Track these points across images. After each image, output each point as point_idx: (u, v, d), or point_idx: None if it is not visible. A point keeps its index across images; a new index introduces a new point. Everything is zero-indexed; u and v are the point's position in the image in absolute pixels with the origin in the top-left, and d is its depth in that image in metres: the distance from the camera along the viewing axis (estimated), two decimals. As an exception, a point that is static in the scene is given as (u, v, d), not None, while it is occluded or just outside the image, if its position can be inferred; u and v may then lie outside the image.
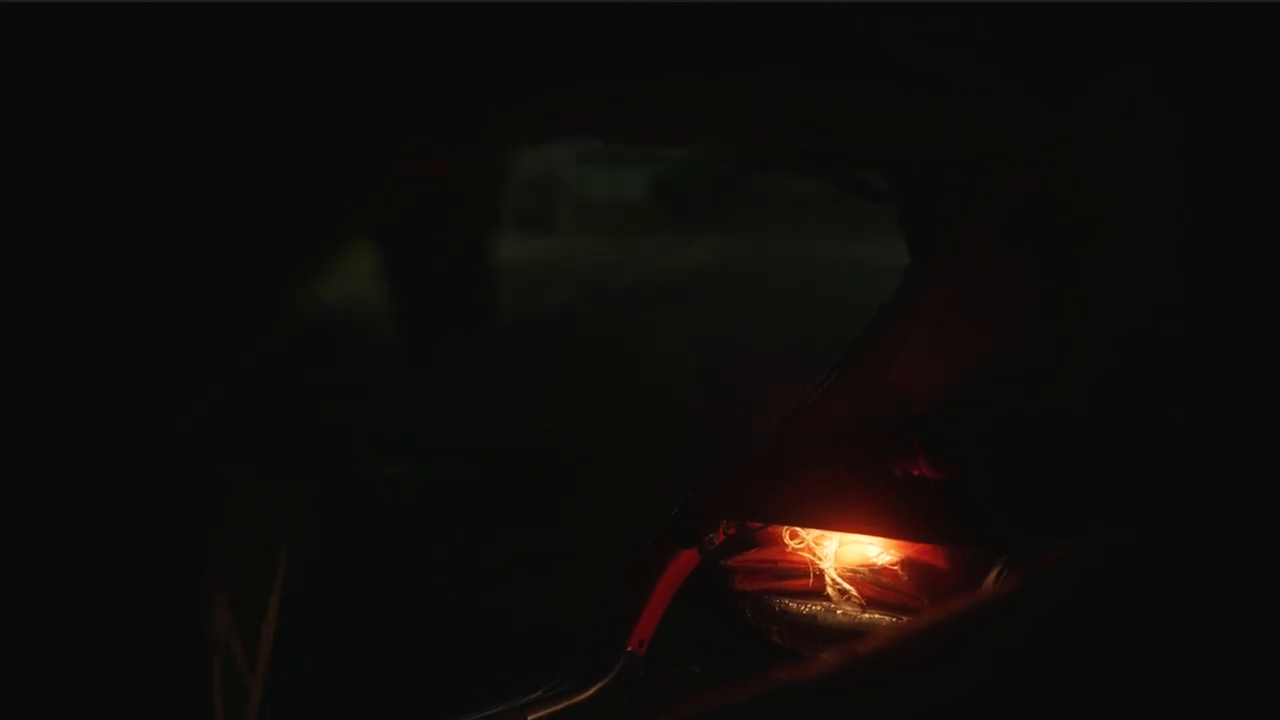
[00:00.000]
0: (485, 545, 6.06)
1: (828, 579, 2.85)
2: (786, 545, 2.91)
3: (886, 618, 2.80)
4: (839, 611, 2.82)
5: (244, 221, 1.18)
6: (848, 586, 2.85)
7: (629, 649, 2.78)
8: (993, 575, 2.60)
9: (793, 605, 2.80)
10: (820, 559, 2.87)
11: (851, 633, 2.78)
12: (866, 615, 2.81)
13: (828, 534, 2.87)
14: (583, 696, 2.67)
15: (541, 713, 2.53)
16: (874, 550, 2.86)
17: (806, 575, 2.86)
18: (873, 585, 2.85)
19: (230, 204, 1.17)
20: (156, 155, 1.16)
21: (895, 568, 2.84)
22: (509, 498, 6.68)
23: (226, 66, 1.16)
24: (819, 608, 2.82)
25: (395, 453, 7.38)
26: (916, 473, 2.79)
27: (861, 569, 2.86)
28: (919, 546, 2.82)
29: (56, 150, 1.14)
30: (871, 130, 1.84)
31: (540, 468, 6.90)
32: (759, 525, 2.94)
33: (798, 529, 2.89)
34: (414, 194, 1.29)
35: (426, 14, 1.16)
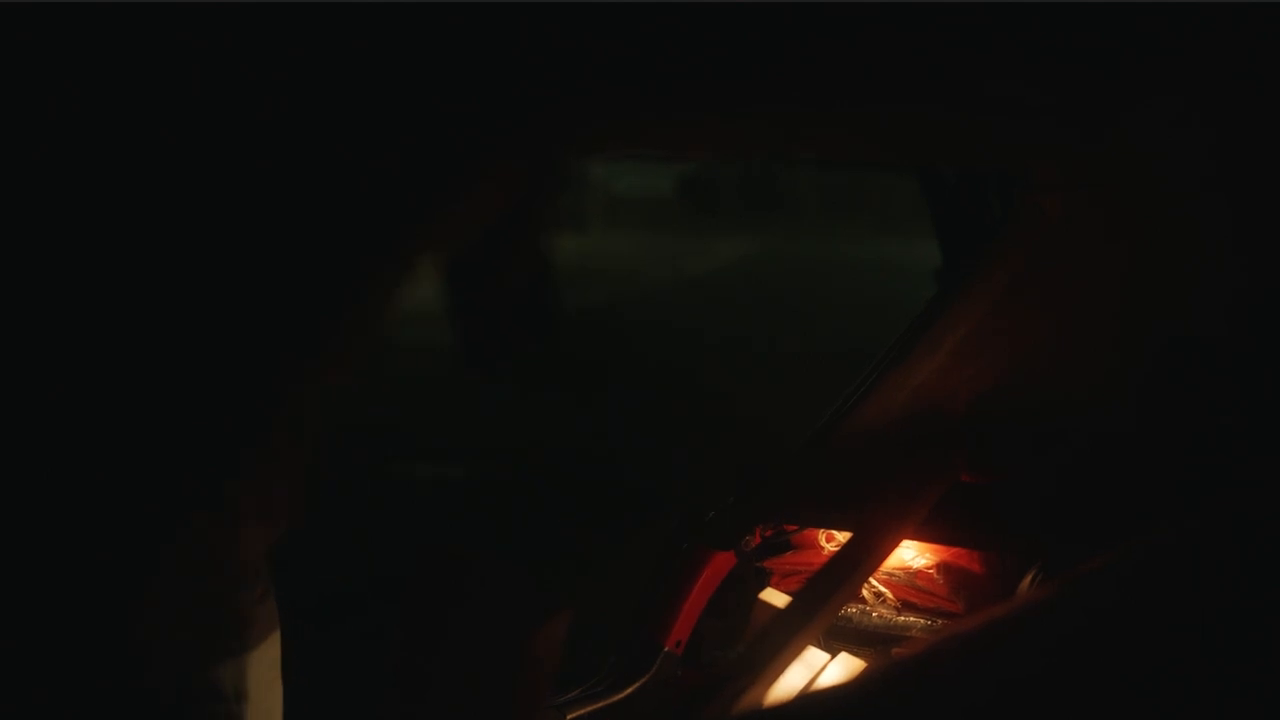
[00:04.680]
0: (513, 546, 6.06)
1: (863, 582, 2.86)
2: (822, 548, 2.92)
3: (921, 621, 2.81)
4: (874, 614, 2.83)
5: (289, 216, 1.20)
6: (883, 589, 2.87)
7: (666, 649, 2.80)
8: (1028, 580, 2.60)
9: (828, 607, 2.80)
10: (856, 562, 2.88)
11: (886, 635, 2.79)
12: (901, 618, 2.82)
13: (863, 537, 2.88)
14: (620, 695, 2.69)
15: (580, 711, 2.54)
16: (910, 553, 2.88)
17: (842, 578, 2.87)
18: (908, 588, 2.86)
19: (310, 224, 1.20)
20: (207, 174, 1.18)
21: (931, 571, 2.85)
22: (535, 498, 6.67)
23: (280, 66, 1.18)
24: (854, 610, 2.83)
25: (424, 452, 7.37)
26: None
27: (897, 572, 2.87)
28: (954, 550, 2.83)
29: (58, 154, 1.17)
30: (902, 143, 1.86)
31: (568, 468, 6.88)
32: (794, 528, 2.95)
33: (833, 532, 2.90)
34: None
35: (486, 46, 1.18)
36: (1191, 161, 1.82)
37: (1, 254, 1.15)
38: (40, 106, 1.15)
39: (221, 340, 1.19)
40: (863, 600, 2.86)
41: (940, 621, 2.81)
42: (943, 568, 2.85)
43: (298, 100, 1.18)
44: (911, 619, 2.82)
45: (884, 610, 2.84)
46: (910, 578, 2.86)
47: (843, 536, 2.88)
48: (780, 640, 2.36)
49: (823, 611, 2.44)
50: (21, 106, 1.14)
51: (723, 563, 2.86)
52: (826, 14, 1.27)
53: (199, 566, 1.30)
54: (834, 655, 2.57)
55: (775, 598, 2.69)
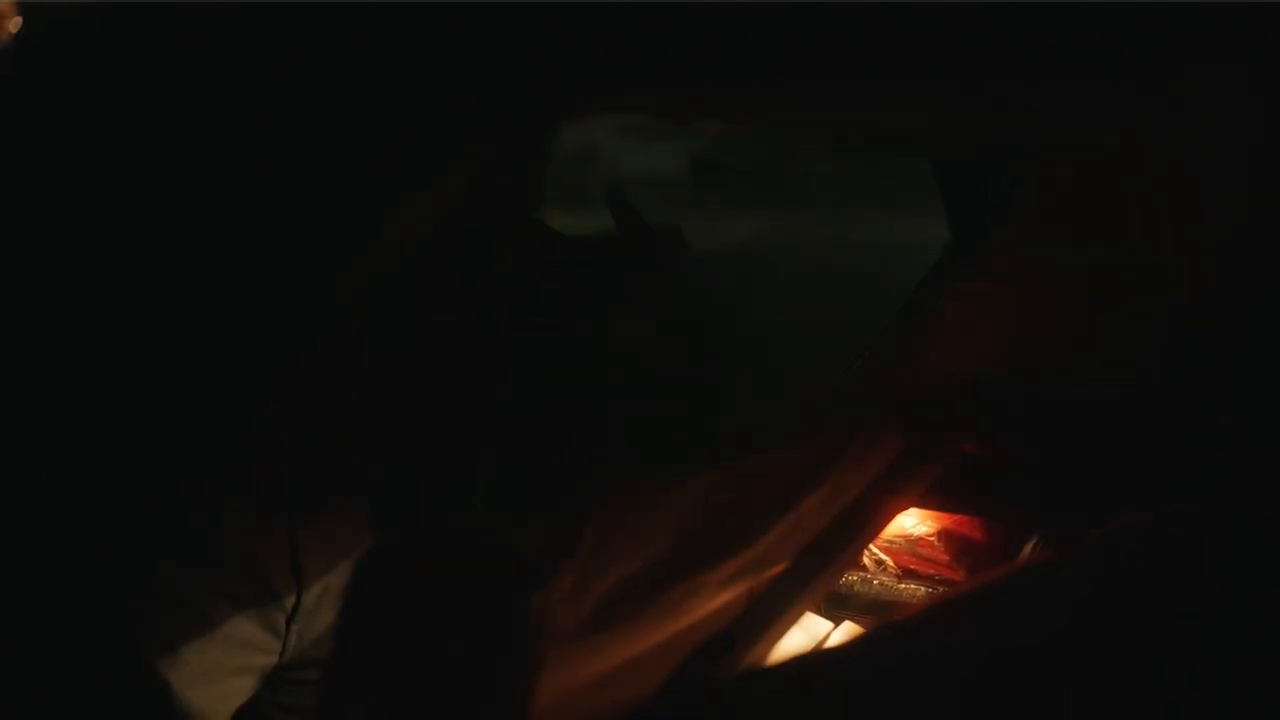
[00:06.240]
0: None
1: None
2: (825, 516, 2.93)
3: (922, 589, 2.82)
4: (875, 582, 2.84)
5: (289, 216, 1.21)
6: (884, 557, 2.88)
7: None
8: (1029, 548, 2.61)
9: (829, 575, 2.81)
10: (857, 529, 2.89)
11: (887, 603, 2.80)
12: (903, 585, 2.83)
13: (864, 505, 2.89)
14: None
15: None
16: (911, 521, 2.88)
17: (843, 545, 2.87)
18: (909, 556, 2.87)
19: (287, 200, 1.20)
20: (207, 154, 1.18)
21: (932, 539, 2.86)
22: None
23: (284, 65, 1.18)
24: (855, 578, 2.84)
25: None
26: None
27: (898, 540, 2.88)
28: (956, 518, 2.84)
29: (58, 154, 1.17)
30: (902, 139, 1.85)
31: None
32: (797, 494, 2.96)
33: (836, 500, 2.91)
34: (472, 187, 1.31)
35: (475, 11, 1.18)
36: (1193, 160, 1.81)
37: (2, 254, 1.16)
38: (40, 106, 1.15)
39: (220, 340, 1.20)
40: (864, 568, 2.87)
41: (941, 589, 2.83)
42: (944, 535, 2.86)
43: (298, 100, 1.18)
44: (913, 586, 2.83)
45: (885, 578, 2.85)
46: (911, 545, 2.87)
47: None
48: (779, 607, 2.38)
49: (821, 578, 2.45)
50: (22, 106, 1.15)
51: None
52: (826, 14, 1.27)
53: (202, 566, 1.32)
54: (837, 624, 2.59)
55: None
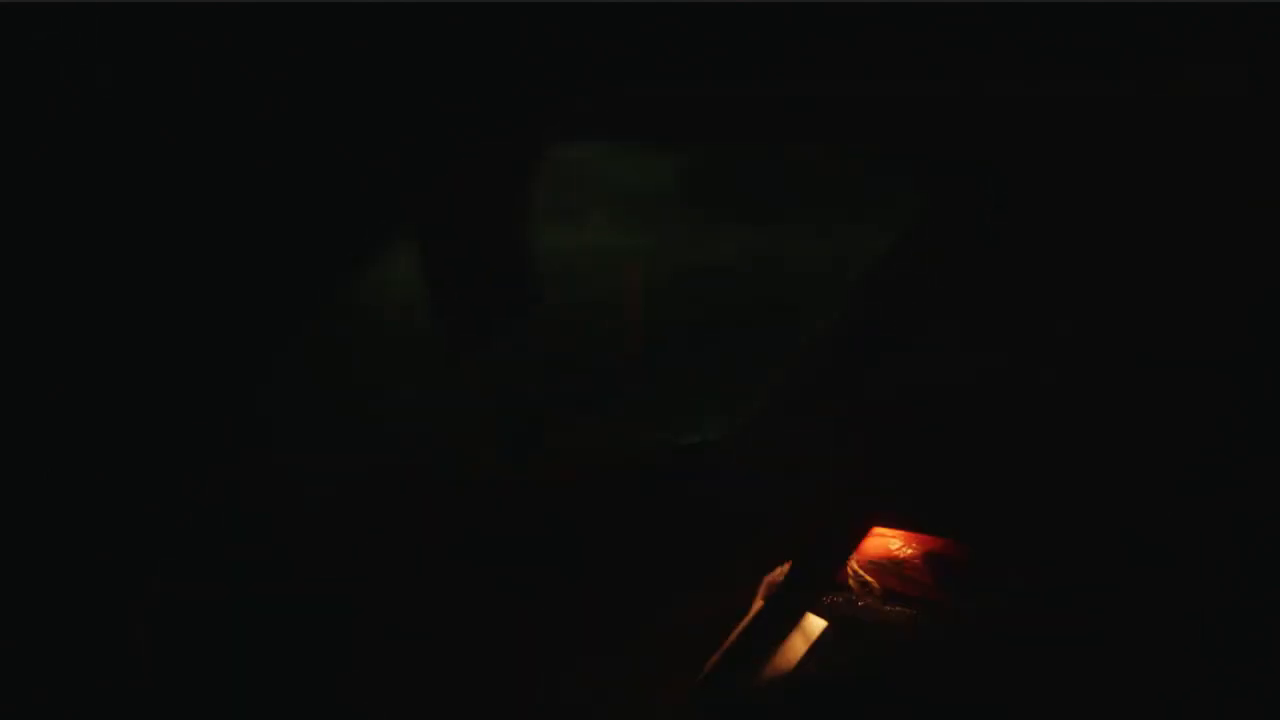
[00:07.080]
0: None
1: (849, 571, 2.86)
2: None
3: (907, 610, 2.81)
4: (859, 604, 2.83)
5: (290, 215, 1.20)
6: (868, 579, 2.87)
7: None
8: (1014, 570, 2.61)
9: (814, 597, 2.81)
10: (842, 551, 2.88)
11: (872, 624, 2.79)
12: (887, 607, 2.82)
13: (850, 527, 2.88)
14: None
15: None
16: (895, 543, 2.88)
17: (829, 567, 2.87)
18: (894, 578, 2.86)
19: (279, 198, 1.20)
20: (200, 153, 1.18)
21: (916, 561, 2.85)
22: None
23: (284, 65, 1.18)
24: (840, 599, 2.83)
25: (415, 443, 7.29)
26: (939, 467, 2.79)
27: (883, 561, 2.87)
28: (940, 540, 2.83)
29: (58, 154, 1.17)
30: (901, 139, 1.86)
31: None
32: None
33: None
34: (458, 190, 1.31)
35: (472, 16, 1.18)
36: (1190, 159, 1.82)
37: (2, 254, 1.15)
38: (40, 106, 1.14)
39: (220, 340, 1.19)
40: (848, 590, 2.86)
41: (926, 611, 2.82)
42: (928, 557, 2.85)
43: (298, 100, 1.18)
44: (897, 608, 2.83)
45: (869, 600, 2.85)
46: (896, 567, 2.87)
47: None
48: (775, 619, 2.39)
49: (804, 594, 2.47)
50: (22, 106, 1.14)
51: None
52: (826, 14, 1.27)
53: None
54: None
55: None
